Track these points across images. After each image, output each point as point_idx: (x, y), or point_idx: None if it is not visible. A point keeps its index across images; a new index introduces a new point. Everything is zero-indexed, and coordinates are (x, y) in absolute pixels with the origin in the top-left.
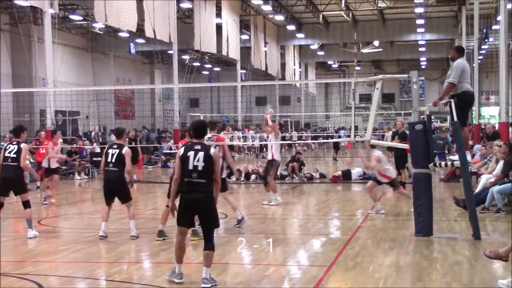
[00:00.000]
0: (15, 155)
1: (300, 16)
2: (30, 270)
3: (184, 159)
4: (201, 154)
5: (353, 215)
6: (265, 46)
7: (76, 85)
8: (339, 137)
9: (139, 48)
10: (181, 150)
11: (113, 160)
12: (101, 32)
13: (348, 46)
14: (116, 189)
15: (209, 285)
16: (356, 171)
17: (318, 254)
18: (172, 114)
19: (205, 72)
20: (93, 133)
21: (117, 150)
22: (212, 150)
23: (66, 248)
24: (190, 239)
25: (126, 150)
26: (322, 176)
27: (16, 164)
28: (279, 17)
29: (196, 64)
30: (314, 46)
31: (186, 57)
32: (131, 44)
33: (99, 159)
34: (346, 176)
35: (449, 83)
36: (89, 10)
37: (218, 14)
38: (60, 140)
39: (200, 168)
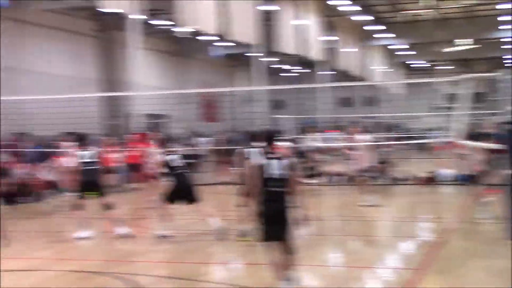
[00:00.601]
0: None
1: (385, 16)
2: (123, 270)
3: (260, 168)
4: (277, 162)
5: (443, 218)
6: (348, 47)
7: (161, 89)
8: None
9: (222, 51)
10: (254, 159)
11: None
12: (185, 36)
13: (435, 45)
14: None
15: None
16: (447, 173)
17: (408, 256)
18: (256, 116)
19: (287, 74)
20: (179, 136)
21: None
22: (286, 160)
23: (156, 248)
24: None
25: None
26: (411, 177)
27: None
28: (364, 17)
29: (279, 66)
30: (400, 46)
31: (268, 59)
32: (215, 47)
33: (186, 161)
34: (436, 178)
35: None
36: (173, 15)
37: (301, 15)
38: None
39: (278, 176)
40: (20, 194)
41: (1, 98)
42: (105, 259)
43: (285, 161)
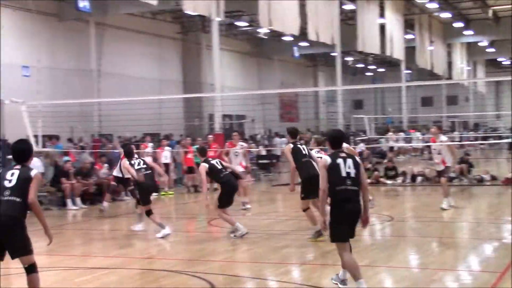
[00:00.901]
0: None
1: (468, 12)
2: (202, 269)
3: (334, 167)
4: (350, 161)
5: None
6: (430, 45)
7: (242, 89)
8: None
9: (302, 51)
10: (327, 159)
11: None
12: (266, 37)
13: None
14: None
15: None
16: None
17: (490, 259)
18: (336, 116)
19: (368, 74)
20: (258, 136)
21: None
22: (358, 158)
23: (235, 248)
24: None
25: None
26: (493, 178)
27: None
28: (446, 15)
29: (360, 65)
30: (484, 43)
31: (349, 59)
32: (295, 47)
33: (265, 161)
34: None
35: None
36: (254, 15)
37: (382, 14)
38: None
39: (352, 175)
40: (101, 194)
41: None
42: (185, 258)
43: (356, 161)
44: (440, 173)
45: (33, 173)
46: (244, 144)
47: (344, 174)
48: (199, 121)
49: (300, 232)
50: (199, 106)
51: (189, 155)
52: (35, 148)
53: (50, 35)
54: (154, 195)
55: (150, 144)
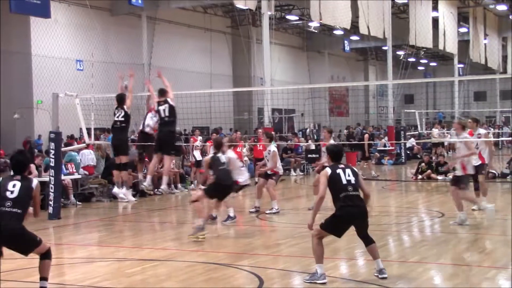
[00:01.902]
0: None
1: None
2: (249, 262)
3: (335, 176)
4: (349, 170)
5: None
6: (485, 39)
7: (291, 83)
8: None
9: (353, 45)
10: (328, 170)
11: None
12: (316, 31)
13: None
14: None
15: (386, 275)
16: None
17: None
18: (386, 110)
19: (420, 68)
20: (308, 130)
21: None
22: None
23: (283, 242)
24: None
25: None
26: None
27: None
28: (501, 7)
29: (411, 59)
30: None
31: (400, 52)
32: (346, 41)
33: (314, 155)
34: None
35: None
36: (304, 9)
37: (435, 7)
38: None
39: (353, 182)
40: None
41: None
42: (234, 251)
43: (354, 169)
44: (477, 170)
45: (33, 184)
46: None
47: (344, 181)
48: (248, 115)
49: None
50: (249, 100)
51: (238, 149)
52: (87, 141)
53: (103, 29)
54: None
55: (200, 138)
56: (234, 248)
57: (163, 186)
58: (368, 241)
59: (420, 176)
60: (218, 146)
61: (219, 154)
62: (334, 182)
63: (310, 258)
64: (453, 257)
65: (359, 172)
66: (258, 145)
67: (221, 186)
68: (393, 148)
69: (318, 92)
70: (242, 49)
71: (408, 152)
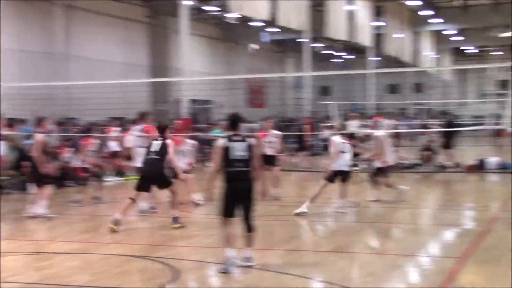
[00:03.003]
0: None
1: (437, 0)
2: (166, 254)
3: (227, 150)
4: (242, 144)
5: (489, 206)
6: (398, 32)
7: (209, 74)
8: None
9: (271, 37)
10: (222, 142)
11: None
12: (235, 22)
13: (487, 30)
14: None
15: (250, 264)
16: (493, 160)
17: (450, 245)
18: (303, 102)
19: (336, 60)
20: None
21: None
22: (252, 139)
23: (200, 233)
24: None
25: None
26: (457, 165)
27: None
28: (415, 2)
29: (328, 52)
30: (451, 31)
31: (317, 45)
32: (264, 33)
33: None
34: (482, 165)
35: None
36: (223, 0)
37: (351, 1)
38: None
39: (243, 157)
40: (66, 178)
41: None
42: (150, 243)
43: (249, 143)
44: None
45: None
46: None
47: (234, 157)
48: (165, 105)
49: (268, 217)
50: (166, 90)
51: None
52: None
53: (16, 17)
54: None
55: (116, 128)
56: (150, 240)
57: None
58: (249, 228)
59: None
60: (162, 131)
61: (156, 141)
62: (225, 156)
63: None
64: (366, 246)
65: (256, 145)
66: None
67: (143, 177)
68: (310, 139)
69: (236, 84)
70: (160, 39)
71: (324, 143)
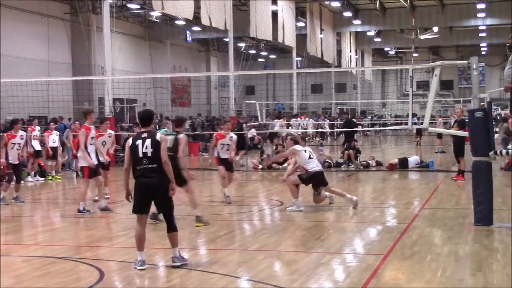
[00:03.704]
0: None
1: (357, 2)
2: (90, 255)
3: (134, 148)
4: (148, 141)
5: (410, 204)
6: (321, 33)
7: (133, 73)
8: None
9: (195, 36)
10: (130, 141)
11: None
12: (158, 20)
13: (406, 32)
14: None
15: (179, 264)
16: (413, 159)
17: (374, 242)
18: (228, 101)
19: (260, 60)
20: None
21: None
22: (159, 135)
23: (124, 233)
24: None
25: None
26: (379, 164)
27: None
28: (335, 4)
29: (252, 51)
30: (371, 33)
31: (241, 44)
32: (188, 32)
33: None
34: (403, 164)
35: None
36: None
37: (274, 1)
38: (110, 131)
39: (149, 154)
40: None
41: None
42: (74, 244)
43: (155, 140)
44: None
45: None
46: (112, 132)
47: (141, 154)
48: (88, 104)
49: (193, 217)
50: (89, 89)
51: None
52: None
53: None
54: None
55: (38, 127)
56: (73, 241)
57: None
58: (169, 227)
59: (260, 166)
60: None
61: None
62: (133, 154)
63: (152, 249)
64: (291, 244)
65: (163, 141)
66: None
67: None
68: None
69: (161, 82)
70: (82, 37)
71: (249, 142)
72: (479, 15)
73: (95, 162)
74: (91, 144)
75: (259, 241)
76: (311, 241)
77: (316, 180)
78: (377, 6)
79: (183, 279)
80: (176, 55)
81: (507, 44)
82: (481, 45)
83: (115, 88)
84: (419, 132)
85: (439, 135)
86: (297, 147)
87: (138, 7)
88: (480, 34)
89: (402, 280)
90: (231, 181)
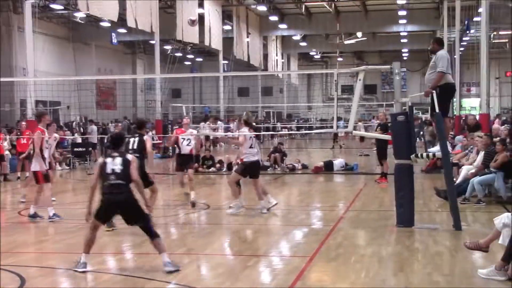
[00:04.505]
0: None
1: (283, 7)
2: (11, 261)
3: (103, 165)
4: (118, 160)
5: (335, 206)
6: (247, 37)
7: (57, 75)
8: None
9: (120, 38)
10: (100, 159)
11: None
12: (83, 22)
13: (331, 37)
14: None
15: (172, 269)
16: (338, 162)
17: (300, 244)
18: (154, 104)
19: (187, 63)
20: (74, 123)
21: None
22: (130, 156)
23: (47, 238)
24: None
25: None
26: (304, 167)
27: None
28: (262, 8)
29: (179, 54)
30: (297, 37)
31: (168, 47)
32: (113, 33)
33: (80, 149)
34: (328, 167)
35: (440, 72)
36: None
37: (201, 4)
38: (55, 135)
39: (117, 170)
40: None
41: None
42: None
43: (125, 158)
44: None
45: None
46: (57, 136)
47: (109, 171)
48: (10, 106)
49: (118, 221)
50: (11, 91)
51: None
52: None
53: None
54: None
55: None
56: None
57: None
58: (151, 236)
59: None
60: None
61: None
62: (101, 171)
63: (77, 254)
64: (218, 248)
65: (132, 160)
66: (22, 139)
67: None
68: (160, 141)
69: (85, 85)
70: (4, 37)
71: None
72: (400, 21)
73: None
74: (46, 148)
75: (186, 244)
76: (237, 244)
77: (250, 170)
78: (303, 10)
79: (110, 284)
80: (101, 57)
81: (429, 48)
82: (402, 50)
83: (38, 90)
84: (335, 136)
85: (362, 138)
86: (247, 133)
87: (62, 7)
88: (402, 40)
89: (327, 281)
90: (190, 181)
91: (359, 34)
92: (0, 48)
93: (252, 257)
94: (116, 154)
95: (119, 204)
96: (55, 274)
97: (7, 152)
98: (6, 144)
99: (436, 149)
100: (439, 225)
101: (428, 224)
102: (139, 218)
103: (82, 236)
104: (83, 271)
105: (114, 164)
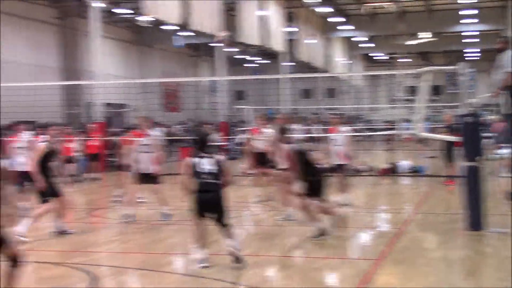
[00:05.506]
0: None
1: (347, 8)
2: (82, 260)
3: (192, 165)
4: (209, 159)
5: (402, 209)
6: (310, 38)
7: (123, 78)
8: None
9: (185, 41)
10: (188, 160)
11: None
12: (147, 25)
13: (395, 38)
14: None
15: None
16: (405, 164)
17: (366, 247)
18: (218, 106)
19: (250, 65)
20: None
21: None
22: (219, 156)
23: (117, 239)
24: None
25: None
26: (370, 169)
27: None
28: (325, 9)
29: (241, 56)
30: (361, 38)
31: (231, 49)
32: (175, 37)
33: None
34: (394, 169)
35: (509, 72)
36: (135, 3)
37: (263, 6)
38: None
39: (212, 171)
40: None
41: None
42: (65, 249)
43: (217, 159)
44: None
45: None
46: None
47: (203, 170)
48: (78, 109)
49: (184, 223)
50: (79, 94)
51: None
52: None
53: None
54: None
55: (26, 132)
56: (65, 246)
57: None
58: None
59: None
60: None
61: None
62: (191, 170)
63: (145, 254)
64: (284, 249)
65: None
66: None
67: None
68: (225, 143)
69: (150, 87)
70: (71, 41)
71: (239, 147)
72: (466, 21)
73: None
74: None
75: (251, 246)
76: (304, 245)
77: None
78: (368, 11)
79: (176, 284)
80: (165, 60)
81: (496, 47)
82: (468, 50)
83: (105, 93)
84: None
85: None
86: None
87: (127, 11)
88: (468, 40)
89: (394, 285)
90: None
91: (423, 34)
92: (69, 52)
93: (318, 259)
94: (205, 154)
95: (213, 202)
96: (124, 274)
97: (77, 154)
98: (76, 146)
99: (507, 150)
100: (510, 229)
101: (498, 228)
102: (226, 216)
103: (150, 237)
104: (204, 267)
105: (206, 163)
